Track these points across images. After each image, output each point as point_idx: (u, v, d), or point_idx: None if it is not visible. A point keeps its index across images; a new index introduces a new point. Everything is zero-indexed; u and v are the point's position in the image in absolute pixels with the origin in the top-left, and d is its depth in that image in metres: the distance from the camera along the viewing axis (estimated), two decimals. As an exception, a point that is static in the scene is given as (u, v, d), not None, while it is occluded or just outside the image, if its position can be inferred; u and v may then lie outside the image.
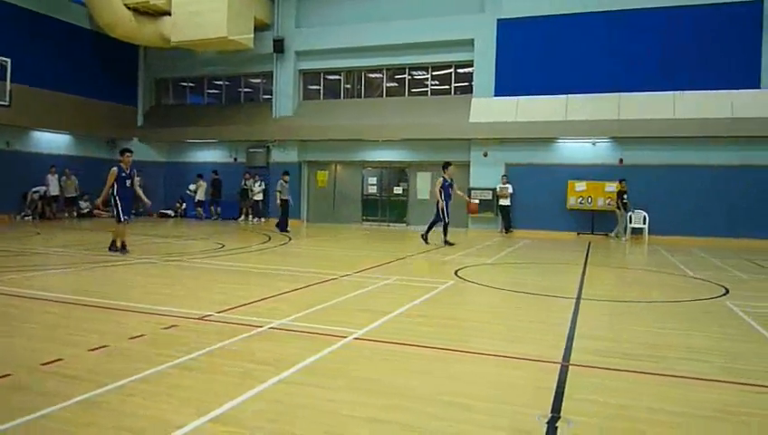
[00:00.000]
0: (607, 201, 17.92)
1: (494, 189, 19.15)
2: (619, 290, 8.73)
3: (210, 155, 24.04)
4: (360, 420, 3.18)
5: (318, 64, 22.29)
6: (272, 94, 22.59)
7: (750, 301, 7.30)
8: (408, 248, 13.31)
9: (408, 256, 11.69)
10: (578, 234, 18.36)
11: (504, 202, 18.89)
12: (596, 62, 18.19)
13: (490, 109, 19.10)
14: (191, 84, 25.01)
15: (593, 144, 18.55)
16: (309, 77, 22.86)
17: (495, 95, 19.34)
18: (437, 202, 13.79)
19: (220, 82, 24.44)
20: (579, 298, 7.20)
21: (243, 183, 22.18)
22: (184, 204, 23.54)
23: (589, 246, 15.09)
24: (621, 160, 18.09)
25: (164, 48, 21.53)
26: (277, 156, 22.30)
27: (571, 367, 4.26)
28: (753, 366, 4.45)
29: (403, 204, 21.71)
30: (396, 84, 21.78)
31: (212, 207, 22.72)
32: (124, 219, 10.66)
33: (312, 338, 4.91)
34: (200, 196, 22.44)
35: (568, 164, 18.62)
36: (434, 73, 21.19)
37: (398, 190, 21.72)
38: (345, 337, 4.89)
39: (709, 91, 16.90)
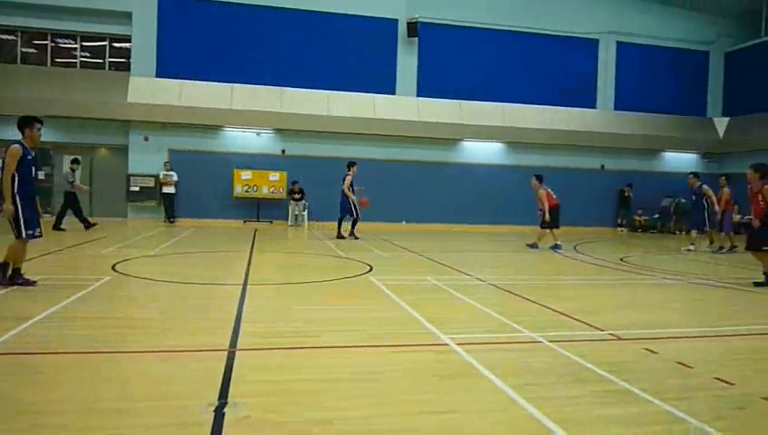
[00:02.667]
0: (271, 190, 18.77)
1: (156, 176, 18.14)
2: (282, 273, 9.23)
3: None
4: (-13, 451, 2.62)
5: None
6: None
7: (388, 275, 8.57)
8: (56, 242, 11.62)
9: (56, 251, 10.21)
10: (244, 221, 18.78)
11: (168, 190, 18.06)
12: (260, 55, 18.81)
13: (151, 90, 17.98)
14: None
15: (258, 134, 19.18)
16: None
17: (158, 76, 18.29)
18: (349, 199, 14.39)
19: None
20: (245, 284, 7.36)
21: None
22: None
23: (255, 234, 15.58)
24: (284, 151, 19.16)
25: None
26: None
27: (238, 352, 4.31)
28: (393, 330, 5.21)
29: (47, 191, 18.79)
30: (35, 51, 18.66)
31: None
32: (28, 234, 6.61)
33: None
34: None
35: (234, 152, 18.85)
36: (84, 44, 18.87)
37: (39, 176, 18.67)
38: (-34, 353, 3.97)
39: (358, 94, 19.21)
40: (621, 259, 11.96)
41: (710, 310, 6.96)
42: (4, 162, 6.46)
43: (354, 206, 14.46)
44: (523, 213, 19.75)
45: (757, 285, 8.38)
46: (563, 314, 6.03)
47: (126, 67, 18.66)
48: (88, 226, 14.59)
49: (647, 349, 4.72)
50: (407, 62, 19.96)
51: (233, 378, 3.70)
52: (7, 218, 6.49)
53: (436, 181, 19.90)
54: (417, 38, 19.67)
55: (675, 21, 22.32)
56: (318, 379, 3.78)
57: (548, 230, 13.34)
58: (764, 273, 8.41)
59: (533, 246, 13.40)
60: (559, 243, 13.31)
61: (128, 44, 18.63)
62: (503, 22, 20.57)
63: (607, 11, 21.65)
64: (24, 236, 6.54)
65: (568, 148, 20.96)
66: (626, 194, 21.32)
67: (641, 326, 5.67)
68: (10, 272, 6.60)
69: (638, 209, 21.55)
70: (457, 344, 4.65)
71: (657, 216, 21.57)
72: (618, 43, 21.81)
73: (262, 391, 3.47)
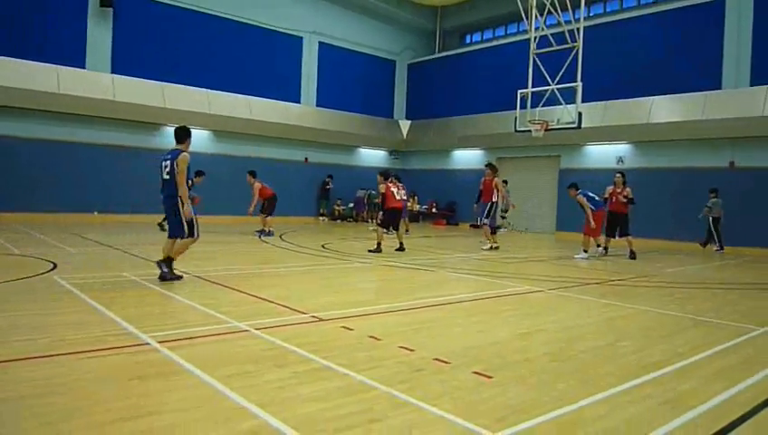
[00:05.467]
0: None
1: None
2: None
3: None
4: None
5: None
6: None
7: (77, 272, 7.59)
8: None
9: None
10: None
11: None
12: None
13: None
14: None
15: None
16: None
17: None
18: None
19: None
20: None
21: None
22: None
23: None
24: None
25: None
26: None
27: None
28: (83, 334, 4.60)
29: None
30: None
31: None
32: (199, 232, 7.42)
33: None
34: None
35: None
36: None
37: None
38: None
39: (37, 63, 16.36)
40: (323, 246, 12.82)
41: (395, 288, 7.94)
42: (173, 169, 7.00)
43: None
44: (236, 204, 19.37)
45: (370, 251, 11.44)
46: (269, 302, 6.18)
47: None
48: None
49: (344, 327, 5.15)
50: (99, 34, 17.81)
51: None
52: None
53: (133, 168, 18.13)
54: (111, 9, 17.74)
55: (369, 29, 24.73)
56: (-20, 401, 3.14)
57: (267, 217, 14.93)
58: (378, 243, 11.59)
59: (262, 232, 14.86)
60: (268, 230, 14.89)
61: None
62: (210, 6, 19.95)
63: (310, 11, 22.77)
64: (196, 235, 7.32)
65: (274, 140, 21.49)
66: (327, 186, 22.88)
67: (339, 307, 6.16)
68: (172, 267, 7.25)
69: (337, 200, 23.34)
70: (159, 342, 4.38)
71: (352, 205, 23.69)
72: (320, 43, 23.16)
73: None
